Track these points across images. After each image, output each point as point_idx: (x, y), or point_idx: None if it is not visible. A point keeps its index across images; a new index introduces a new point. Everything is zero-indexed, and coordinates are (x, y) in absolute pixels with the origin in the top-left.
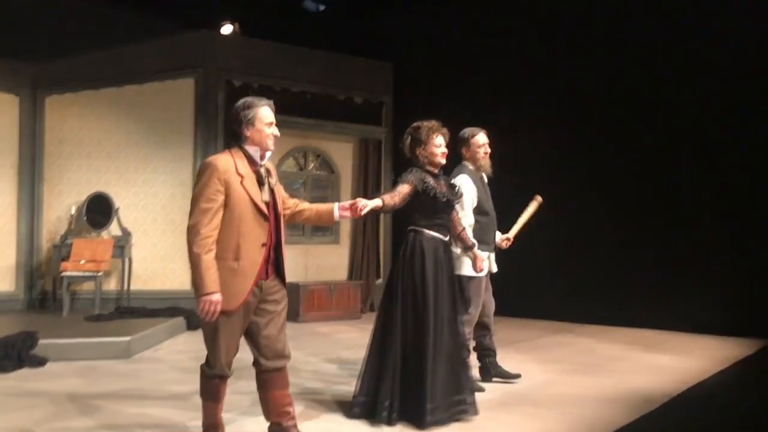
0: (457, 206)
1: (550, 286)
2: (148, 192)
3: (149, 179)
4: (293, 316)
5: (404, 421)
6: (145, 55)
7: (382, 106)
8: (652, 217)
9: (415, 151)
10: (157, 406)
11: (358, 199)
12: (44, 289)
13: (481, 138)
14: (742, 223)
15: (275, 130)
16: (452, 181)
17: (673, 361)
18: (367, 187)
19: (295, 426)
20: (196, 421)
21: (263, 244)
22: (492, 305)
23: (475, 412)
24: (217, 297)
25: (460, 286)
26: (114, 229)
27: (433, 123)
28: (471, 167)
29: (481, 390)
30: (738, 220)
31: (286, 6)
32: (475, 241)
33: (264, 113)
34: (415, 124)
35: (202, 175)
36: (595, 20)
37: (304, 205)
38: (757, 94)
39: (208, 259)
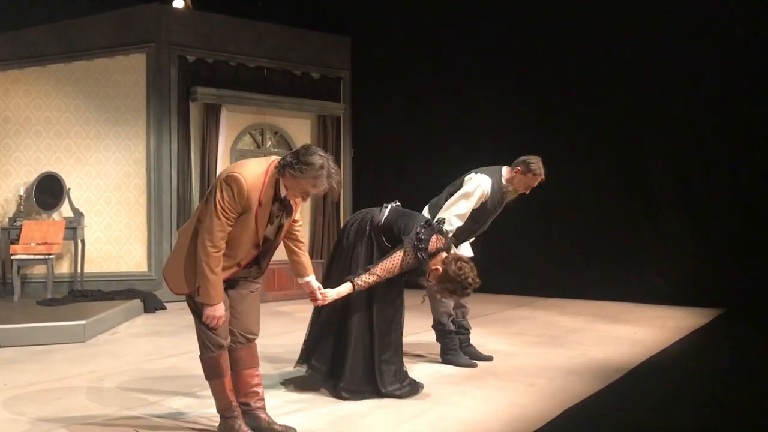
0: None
1: (510, 260)
2: (101, 171)
3: (101, 157)
4: None
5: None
6: (93, 29)
7: (340, 82)
8: (609, 192)
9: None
10: (115, 390)
11: (325, 292)
12: None
13: (540, 177)
14: (696, 197)
15: (305, 197)
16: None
17: (632, 332)
18: None
19: (263, 408)
20: (156, 407)
21: (251, 259)
22: None
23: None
24: (221, 310)
25: None
26: (65, 210)
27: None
28: (504, 181)
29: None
30: (692, 195)
31: None
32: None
33: (316, 184)
34: None
35: (229, 189)
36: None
37: (297, 247)
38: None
39: (218, 272)
